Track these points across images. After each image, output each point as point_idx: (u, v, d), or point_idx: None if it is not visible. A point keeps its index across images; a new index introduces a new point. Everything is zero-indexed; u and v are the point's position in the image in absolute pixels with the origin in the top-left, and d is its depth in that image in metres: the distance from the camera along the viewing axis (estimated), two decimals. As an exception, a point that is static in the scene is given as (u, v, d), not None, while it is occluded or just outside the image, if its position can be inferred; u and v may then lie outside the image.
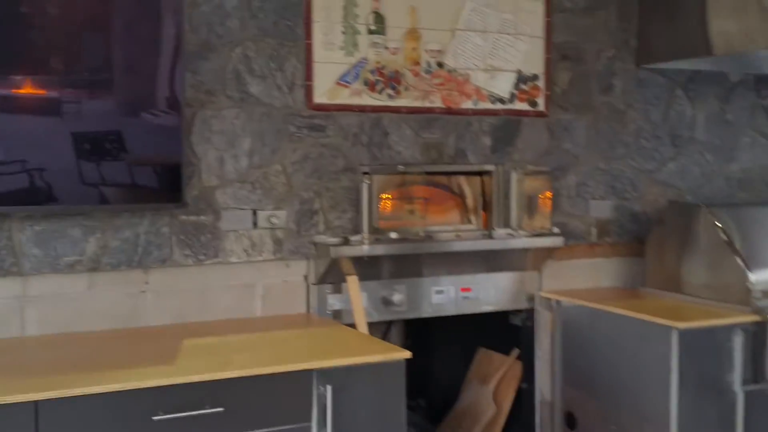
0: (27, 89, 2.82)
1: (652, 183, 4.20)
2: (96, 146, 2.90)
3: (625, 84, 4.12)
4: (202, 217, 3.20)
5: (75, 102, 2.88)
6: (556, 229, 3.79)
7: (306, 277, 3.39)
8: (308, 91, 3.40)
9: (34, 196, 2.82)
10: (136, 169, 2.99)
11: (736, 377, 3.37)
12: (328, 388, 2.59)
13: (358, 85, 3.51)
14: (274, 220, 3.33)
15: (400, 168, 3.55)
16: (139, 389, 2.35)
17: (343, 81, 3.48)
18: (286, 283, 3.35)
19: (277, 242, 3.34)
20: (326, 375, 2.60)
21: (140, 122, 2.99)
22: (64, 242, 2.97)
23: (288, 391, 2.58)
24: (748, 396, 3.39)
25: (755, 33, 3.58)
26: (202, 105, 3.18)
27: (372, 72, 3.54)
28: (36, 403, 2.25)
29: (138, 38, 2.99)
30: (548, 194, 3.81)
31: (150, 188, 3.03)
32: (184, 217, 3.16)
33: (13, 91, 2.80)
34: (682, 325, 3.30)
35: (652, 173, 4.20)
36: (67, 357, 2.72)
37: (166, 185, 3.05)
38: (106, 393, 2.31)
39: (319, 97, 3.43)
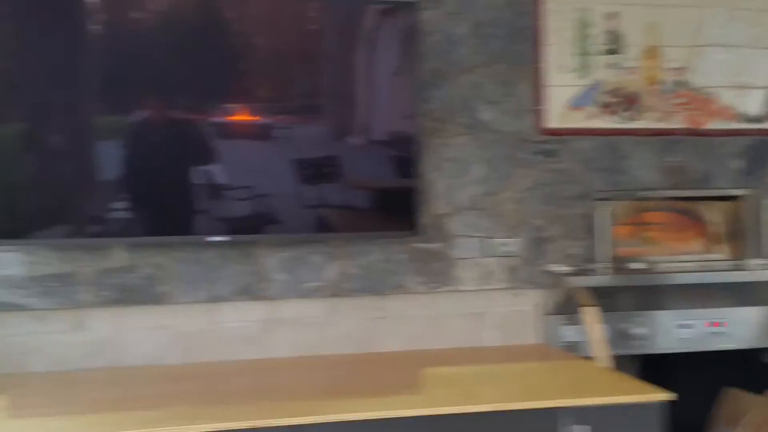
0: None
1: None
2: (325, 173, 2.92)
3: None
4: (434, 245, 3.13)
5: (300, 127, 2.91)
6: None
7: (538, 307, 3.21)
8: (539, 115, 3.25)
9: (275, 224, 2.89)
10: (370, 197, 2.99)
11: None
12: (582, 429, 2.35)
13: (592, 108, 3.31)
14: (505, 248, 3.20)
15: (640, 194, 3.29)
16: (391, 419, 2.26)
17: (575, 104, 3.30)
18: (517, 313, 3.20)
19: (509, 271, 3.20)
20: (577, 414, 2.34)
21: (376, 151, 2.99)
22: (306, 269, 3.02)
23: (535, 429, 2.36)
24: None
25: None
26: (433, 133, 3.13)
27: (607, 94, 3.33)
28: (292, 428, 2.21)
29: (375, 67, 2.99)
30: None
31: (384, 216, 3.01)
32: (416, 245, 3.11)
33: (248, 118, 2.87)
34: None
35: None
36: (313, 381, 2.74)
37: (400, 213, 3.02)
38: (359, 421, 2.25)
39: (551, 122, 3.27)
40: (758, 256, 3.36)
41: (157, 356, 2.91)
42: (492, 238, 3.19)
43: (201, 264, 2.95)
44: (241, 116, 2.86)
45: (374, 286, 3.08)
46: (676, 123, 3.38)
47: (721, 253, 3.41)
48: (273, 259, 3.00)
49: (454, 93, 3.16)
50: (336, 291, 3.05)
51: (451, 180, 3.16)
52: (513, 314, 3.19)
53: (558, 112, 3.28)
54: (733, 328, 3.40)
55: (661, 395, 2.40)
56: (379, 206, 3.01)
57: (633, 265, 3.22)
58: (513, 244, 3.20)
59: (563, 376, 2.72)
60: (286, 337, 3.00)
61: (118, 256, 2.91)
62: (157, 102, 2.79)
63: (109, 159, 2.77)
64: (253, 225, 2.88)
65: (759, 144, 3.45)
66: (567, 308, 3.21)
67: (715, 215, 3.45)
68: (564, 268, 3.22)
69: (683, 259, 3.36)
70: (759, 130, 3.46)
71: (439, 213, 3.15)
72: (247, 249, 2.97)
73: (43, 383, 2.72)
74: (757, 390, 3.50)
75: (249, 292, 2.98)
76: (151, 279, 2.92)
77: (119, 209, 2.78)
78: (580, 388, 2.52)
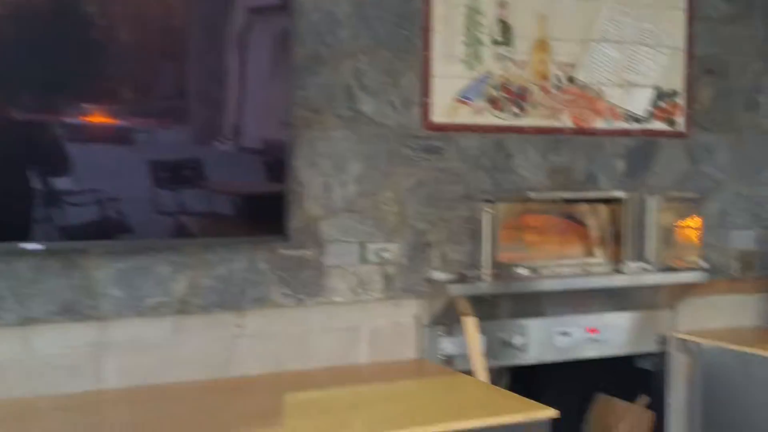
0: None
1: (799, 211, 3.30)
2: (181, 174, 2.24)
3: (771, 100, 3.24)
4: (304, 251, 2.50)
5: (153, 129, 2.23)
6: (704, 263, 2.94)
7: (417, 319, 2.65)
8: (425, 108, 2.66)
9: (112, 229, 2.17)
10: (237, 202, 2.33)
11: None
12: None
13: (480, 102, 2.75)
14: (383, 254, 2.61)
15: (531, 195, 2.77)
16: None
17: (463, 98, 2.72)
18: (395, 325, 2.64)
19: (387, 279, 2.62)
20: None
21: (244, 154, 2.33)
22: (148, 281, 2.31)
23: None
24: None
25: None
26: (308, 125, 2.48)
27: (496, 87, 2.77)
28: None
29: (246, 67, 2.32)
30: (696, 223, 2.97)
31: (250, 221, 2.36)
32: (284, 252, 2.46)
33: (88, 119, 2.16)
34: None
35: (800, 200, 3.30)
36: (152, 415, 2.10)
37: (268, 216, 2.37)
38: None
39: (438, 116, 2.69)
40: (639, 259, 2.93)
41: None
42: (369, 243, 2.59)
43: (10, 278, 2.17)
44: (97, 117, 2.18)
45: (232, 299, 2.42)
46: (564, 121, 2.89)
47: (602, 257, 2.97)
48: (106, 271, 2.26)
49: (332, 80, 2.52)
50: (184, 307, 2.36)
51: (326, 178, 2.53)
52: (390, 327, 2.63)
53: (444, 106, 2.70)
54: (609, 334, 2.98)
55: (546, 412, 2.12)
56: (246, 211, 2.37)
57: (515, 271, 2.72)
58: (392, 250, 2.62)
59: (443, 396, 2.33)
60: (120, 364, 2.28)
61: None
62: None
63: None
64: (88, 232, 2.15)
65: (642, 145, 3.02)
66: (446, 319, 2.67)
67: (598, 218, 2.99)
68: (445, 276, 2.67)
69: (565, 263, 2.89)
70: (643, 130, 3.02)
71: (311, 215, 2.52)
72: (73, 259, 2.22)
73: None
74: (631, 396, 3.11)
75: (73, 311, 2.23)
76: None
77: None
78: (461, 408, 2.18)
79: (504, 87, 2.79)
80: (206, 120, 2.34)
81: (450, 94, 2.70)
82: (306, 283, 2.51)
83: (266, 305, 2.45)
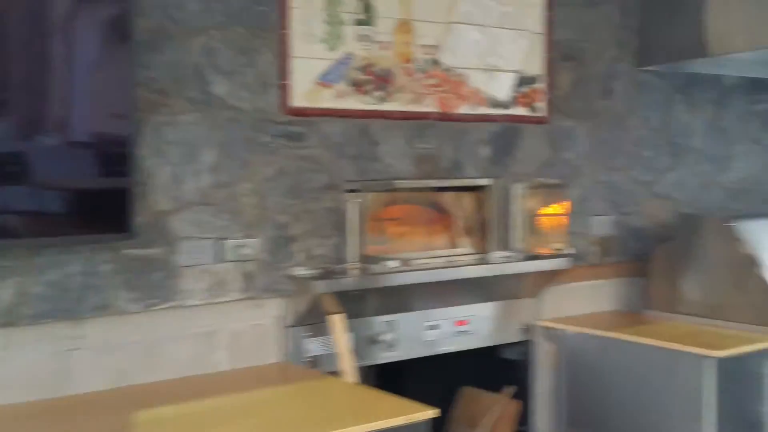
0: None
1: (651, 195, 3.39)
2: (3, 170, 1.91)
3: (625, 87, 3.29)
4: (152, 251, 2.22)
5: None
6: (570, 249, 2.93)
7: (279, 319, 2.45)
8: (284, 91, 2.45)
9: None
10: (63, 195, 2.03)
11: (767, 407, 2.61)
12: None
13: (343, 86, 2.58)
14: (242, 250, 2.38)
15: (399, 183, 2.63)
16: None
17: (325, 80, 2.54)
18: (256, 328, 2.42)
19: (246, 278, 2.40)
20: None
21: (79, 148, 2.02)
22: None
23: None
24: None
25: (750, 32, 2.80)
26: (153, 109, 2.20)
27: (358, 70, 2.60)
28: None
29: (72, 32, 2.01)
30: (561, 209, 2.95)
31: (84, 217, 2.07)
32: (128, 251, 2.18)
33: None
34: (721, 353, 2.52)
35: (652, 185, 3.39)
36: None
37: (107, 212, 2.09)
38: None
39: (298, 100, 2.49)
40: (505, 248, 2.87)
41: None
42: (226, 239, 2.36)
43: None
44: None
45: (68, 307, 2.11)
46: (429, 106, 2.77)
47: (469, 247, 2.89)
48: None
49: (180, 59, 2.26)
50: (10, 319, 2.03)
51: (175, 168, 2.27)
52: (251, 330, 2.41)
53: (305, 89, 2.50)
54: (477, 326, 2.91)
55: (427, 413, 2.00)
56: (82, 208, 2.08)
57: (383, 265, 2.58)
58: (251, 246, 2.40)
59: (312, 402, 2.16)
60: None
61: None
62: None
63: None
64: None
65: (506, 131, 2.96)
66: (312, 318, 2.49)
67: (464, 206, 2.90)
68: (309, 272, 2.48)
69: (432, 254, 2.79)
70: (506, 116, 2.96)
71: (160, 210, 2.25)
72: None
73: None
74: (498, 387, 3.06)
75: None
76: None
77: None
78: (334, 415, 2.03)
79: (367, 69, 2.63)
80: (29, 112, 2.02)
81: (310, 77, 2.51)
82: (155, 286, 2.24)
83: (108, 312, 2.17)
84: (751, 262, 2.84)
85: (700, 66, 3.34)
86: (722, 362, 2.54)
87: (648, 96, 3.37)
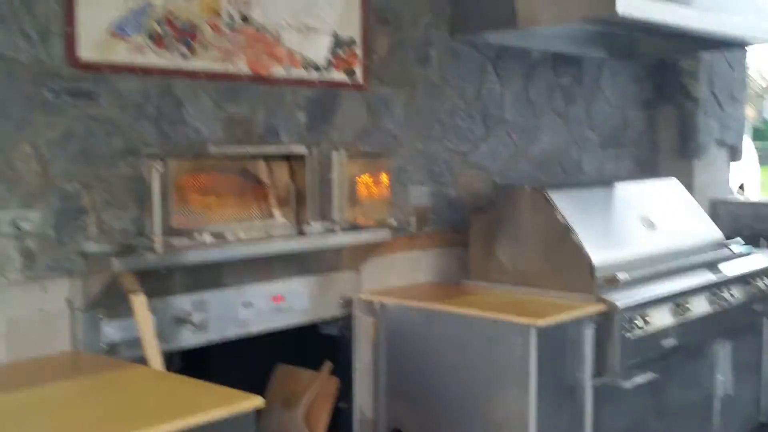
0: None
1: (466, 166, 3.39)
2: None
3: (440, 56, 3.25)
4: None
5: None
6: (393, 221, 2.83)
7: (69, 303, 2.14)
8: (70, 41, 2.13)
9: None
10: None
11: (586, 372, 2.68)
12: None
13: (140, 39, 2.29)
14: (22, 224, 2.04)
15: (211, 149, 2.39)
16: None
17: (119, 31, 2.24)
18: (41, 313, 2.10)
19: (28, 256, 2.06)
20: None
21: None
22: None
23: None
24: (597, 390, 2.73)
25: (555, 7, 2.88)
26: None
27: (159, 22, 2.33)
28: None
29: None
30: (383, 179, 2.85)
31: None
32: None
33: None
34: (541, 322, 2.54)
35: (466, 155, 3.39)
36: None
37: None
38: None
39: (87, 52, 2.17)
40: (324, 219, 2.73)
41: None
42: (1, 211, 2.01)
43: None
44: None
45: None
46: (240, 66, 2.55)
47: (285, 219, 2.71)
48: None
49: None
50: None
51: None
52: (34, 316, 2.09)
53: (95, 40, 2.20)
54: (294, 302, 2.75)
55: (252, 402, 1.81)
56: None
57: (189, 239, 2.34)
58: (33, 219, 2.07)
59: (112, 396, 1.90)
60: None
61: None
62: None
63: None
64: None
65: (322, 96, 2.81)
66: (108, 300, 2.21)
67: (279, 175, 2.72)
68: (105, 248, 2.19)
69: (245, 227, 2.58)
70: (323, 81, 2.80)
71: None
72: None
73: None
74: (317, 364, 2.92)
75: None
76: None
77: None
78: (138, 411, 1.77)
79: (169, 21, 2.36)
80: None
81: (102, 26, 2.20)
82: None
83: None
84: (564, 231, 2.89)
85: (510, 38, 3.37)
86: (542, 330, 2.56)
87: (463, 65, 3.35)
